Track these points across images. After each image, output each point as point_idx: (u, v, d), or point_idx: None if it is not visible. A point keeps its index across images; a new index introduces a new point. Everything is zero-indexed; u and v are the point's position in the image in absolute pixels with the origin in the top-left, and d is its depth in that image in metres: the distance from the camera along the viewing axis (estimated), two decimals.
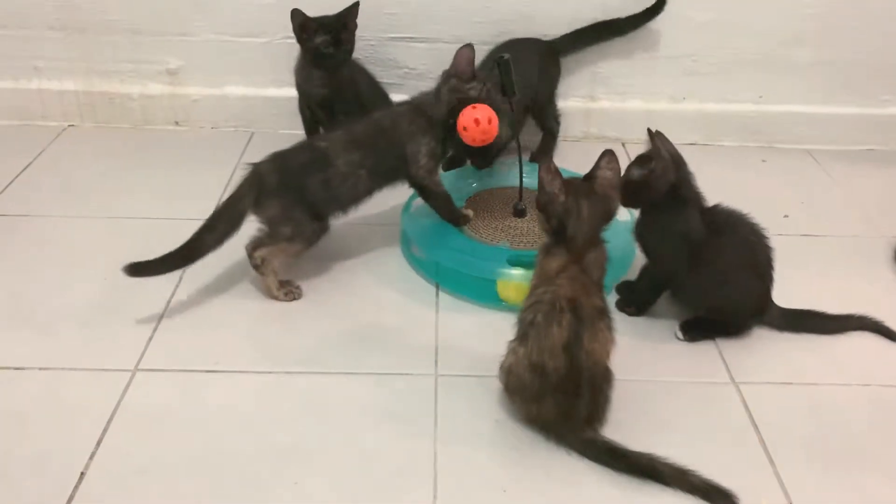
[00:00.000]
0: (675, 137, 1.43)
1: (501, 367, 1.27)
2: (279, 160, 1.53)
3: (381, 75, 2.16)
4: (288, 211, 1.51)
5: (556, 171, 1.23)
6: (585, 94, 2.20)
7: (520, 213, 1.72)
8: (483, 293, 1.54)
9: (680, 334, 1.48)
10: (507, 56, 1.62)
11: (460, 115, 1.54)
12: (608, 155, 1.24)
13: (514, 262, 1.52)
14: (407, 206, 1.72)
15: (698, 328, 1.49)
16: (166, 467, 1.18)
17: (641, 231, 1.47)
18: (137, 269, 1.45)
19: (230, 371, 1.37)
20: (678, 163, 1.41)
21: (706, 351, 1.45)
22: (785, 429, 1.29)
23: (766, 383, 1.38)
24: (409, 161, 1.58)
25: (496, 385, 1.31)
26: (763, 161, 2.19)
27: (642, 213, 1.47)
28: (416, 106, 1.61)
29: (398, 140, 1.57)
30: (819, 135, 2.23)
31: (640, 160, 1.42)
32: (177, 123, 2.25)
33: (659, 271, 1.50)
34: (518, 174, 1.73)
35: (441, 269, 1.60)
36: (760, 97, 2.22)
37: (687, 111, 2.22)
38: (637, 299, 1.55)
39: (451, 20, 2.10)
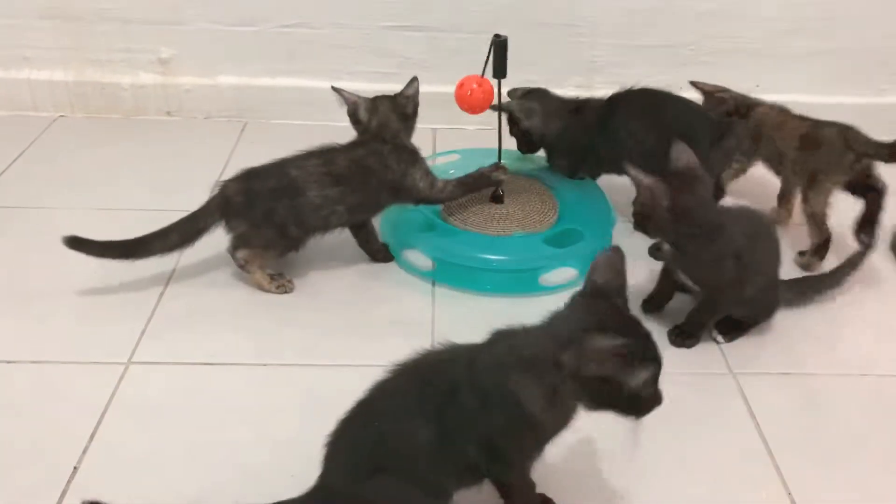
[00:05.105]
0: None
1: None
2: (246, 181, 1.49)
3: (377, 64, 2.15)
4: (256, 229, 1.49)
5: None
6: (582, 81, 2.18)
7: (497, 198, 1.69)
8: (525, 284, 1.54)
9: (720, 338, 1.44)
10: (504, 36, 1.52)
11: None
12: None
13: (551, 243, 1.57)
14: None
15: (736, 327, 1.44)
16: (160, 461, 1.17)
17: (688, 264, 1.38)
18: (77, 243, 1.44)
19: (224, 364, 1.36)
20: (687, 181, 1.28)
21: (703, 341, 1.44)
22: (783, 419, 1.28)
23: (765, 374, 1.38)
24: (409, 192, 1.55)
25: None
26: None
27: (678, 246, 1.36)
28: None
29: (391, 179, 1.53)
30: None
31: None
32: (169, 113, 2.23)
33: (716, 298, 1.40)
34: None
35: (459, 268, 1.55)
36: (757, 86, 2.19)
37: None
38: (696, 330, 1.43)
39: (448, 9, 2.08)
